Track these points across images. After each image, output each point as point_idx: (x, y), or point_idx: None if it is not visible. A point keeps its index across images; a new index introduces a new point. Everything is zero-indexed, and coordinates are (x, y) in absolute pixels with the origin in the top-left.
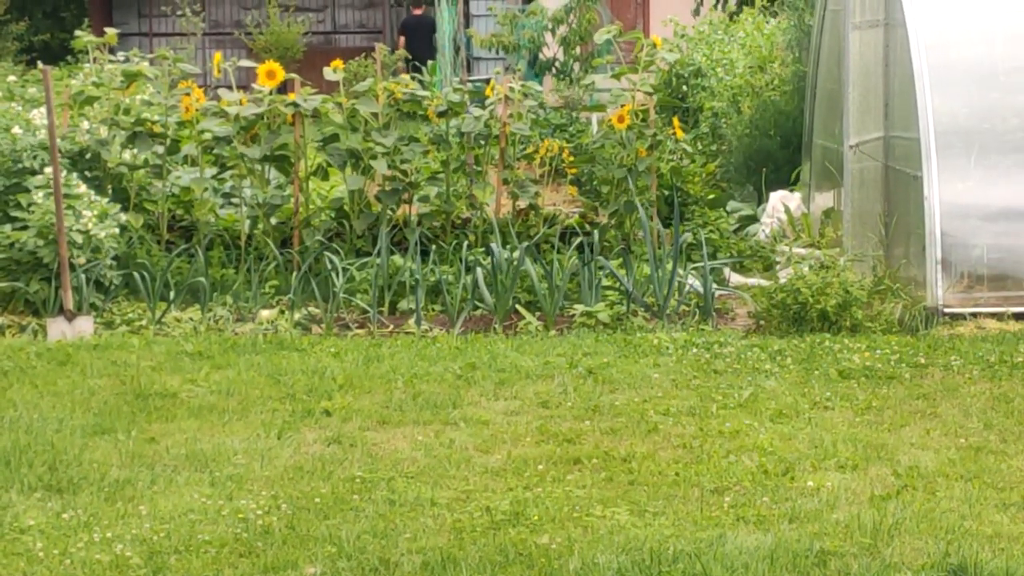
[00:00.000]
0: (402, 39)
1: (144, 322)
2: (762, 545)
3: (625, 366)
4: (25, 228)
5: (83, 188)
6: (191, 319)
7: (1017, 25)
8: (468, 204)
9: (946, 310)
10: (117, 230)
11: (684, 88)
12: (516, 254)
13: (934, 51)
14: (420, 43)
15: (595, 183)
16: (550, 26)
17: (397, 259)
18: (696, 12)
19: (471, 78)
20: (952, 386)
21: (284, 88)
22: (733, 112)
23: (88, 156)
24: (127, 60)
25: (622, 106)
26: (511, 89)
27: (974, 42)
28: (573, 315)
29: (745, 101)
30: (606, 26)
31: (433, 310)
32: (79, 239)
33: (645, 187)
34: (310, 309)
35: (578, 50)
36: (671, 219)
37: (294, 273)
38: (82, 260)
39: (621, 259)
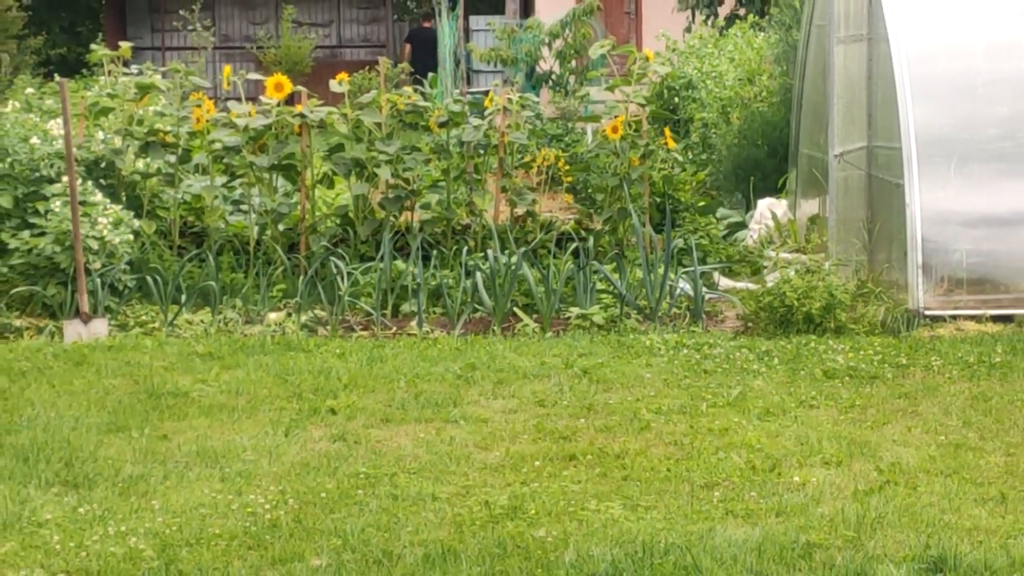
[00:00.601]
0: (408, 47)
1: (157, 324)
2: (750, 538)
3: (618, 366)
4: (43, 234)
5: (98, 196)
6: (202, 321)
7: (995, 39)
8: (468, 211)
9: (927, 312)
10: (131, 236)
11: (676, 100)
12: (514, 259)
13: (916, 64)
14: (425, 54)
15: (590, 191)
16: (546, 40)
17: (400, 264)
18: (688, 30)
19: (471, 90)
20: (933, 385)
21: (291, 100)
22: (723, 123)
23: (103, 165)
24: (140, 73)
25: (616, 117)
26: (509, 101)
27: (954, 55)
28: (569, 317)
29: (734, 112)
30: (600, 40)
31: (434, 313)
32: (94, 245)
33: (638, 195)
34: (316, 312)
35: (573, 63)
36: (663, 225)
37: (301, 277)
38: (97, 265)
39: (615, 264)
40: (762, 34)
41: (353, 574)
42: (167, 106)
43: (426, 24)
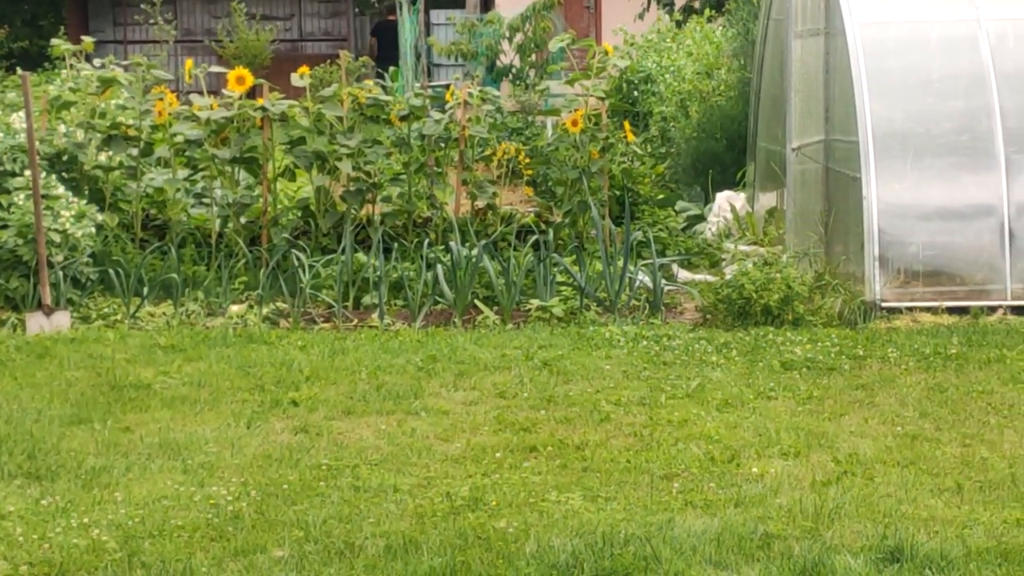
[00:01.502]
0: (374, 40)
1: (119, 317)
2: (709, 528)
3: (578, 358)
4: (5, 227)
5: (61, 189)
6: (164, 314)
7: (950, 34)
8: (429, 204)
9: (883, 304)
10: (93, 229)
11: (635, 93)
12: (475, 251)
13: (872, 59)
14: (391, 47)
15: (550, 184)
16: (507, 34)
17: (361, 256)
18: (641, 16)
19: (432, 84)
20: (889, 377)
21: (253, 93)
22: (681, 116)
23: (65, 158)
24: (103, 66)
25: (575, 111)
26: (470, 94)
27: (910, 50)
28: (529, 309)
29: (693, 106)
30: (560, 34)
31: (395, 305)
32: (57, 238)
33: (597, 188)
34: (278, 304)
35: (533, 57)
36: (622, 218)
37: (262, 270)
38: (60, 258)
39: (575, 256)
40: (719, 28)
41: (315, 565)
42: (129, 99)
43: (391, 17)
